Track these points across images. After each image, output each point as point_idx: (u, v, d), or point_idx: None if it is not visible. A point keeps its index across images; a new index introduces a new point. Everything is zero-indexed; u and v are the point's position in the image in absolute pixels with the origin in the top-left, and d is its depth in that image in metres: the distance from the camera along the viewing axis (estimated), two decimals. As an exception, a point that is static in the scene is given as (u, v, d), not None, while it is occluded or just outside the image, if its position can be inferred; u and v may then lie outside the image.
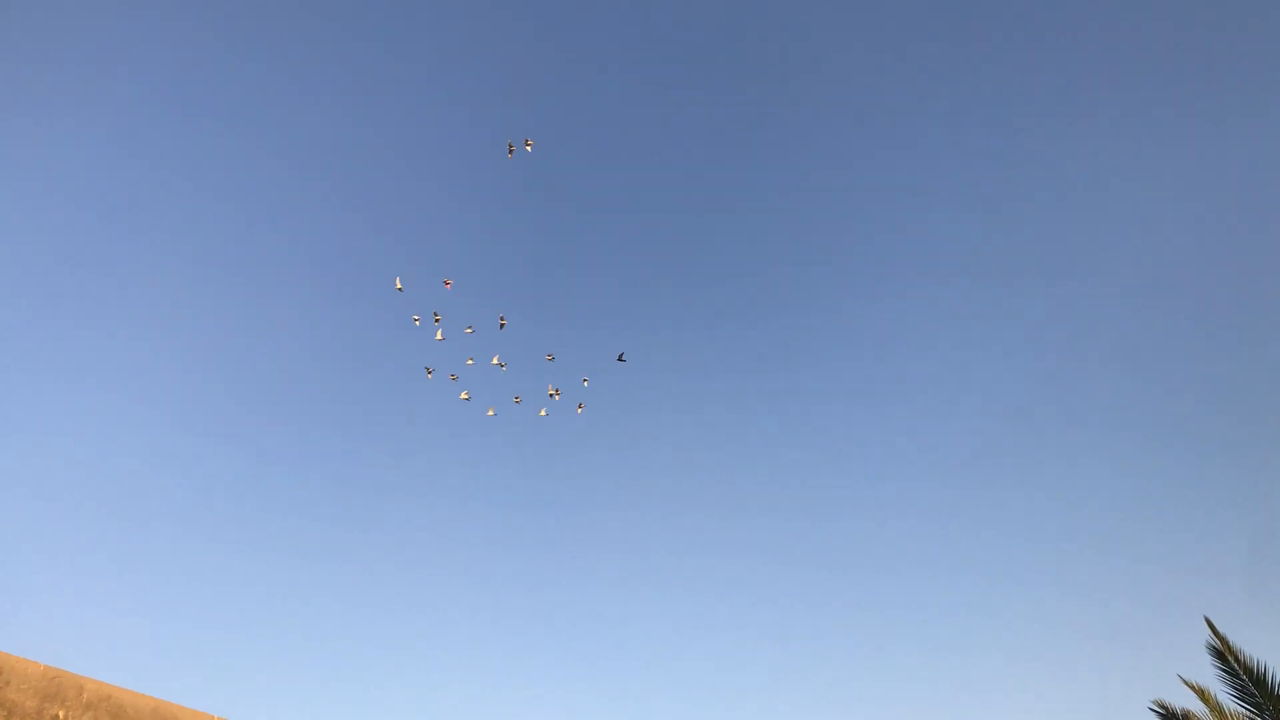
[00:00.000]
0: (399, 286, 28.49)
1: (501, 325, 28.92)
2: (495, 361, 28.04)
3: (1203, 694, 11.94)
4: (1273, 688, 11.53)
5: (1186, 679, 12.13)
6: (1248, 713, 11.68)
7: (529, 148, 28.13)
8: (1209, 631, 11.96)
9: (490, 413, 28.94)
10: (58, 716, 9.59)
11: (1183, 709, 11.97)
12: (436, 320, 27.95)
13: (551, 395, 28.50)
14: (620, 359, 29.13)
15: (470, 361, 28.06)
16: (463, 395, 27.91)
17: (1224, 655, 11.87)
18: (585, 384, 29.57)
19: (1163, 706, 12.30)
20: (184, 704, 11.16)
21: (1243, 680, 11.75)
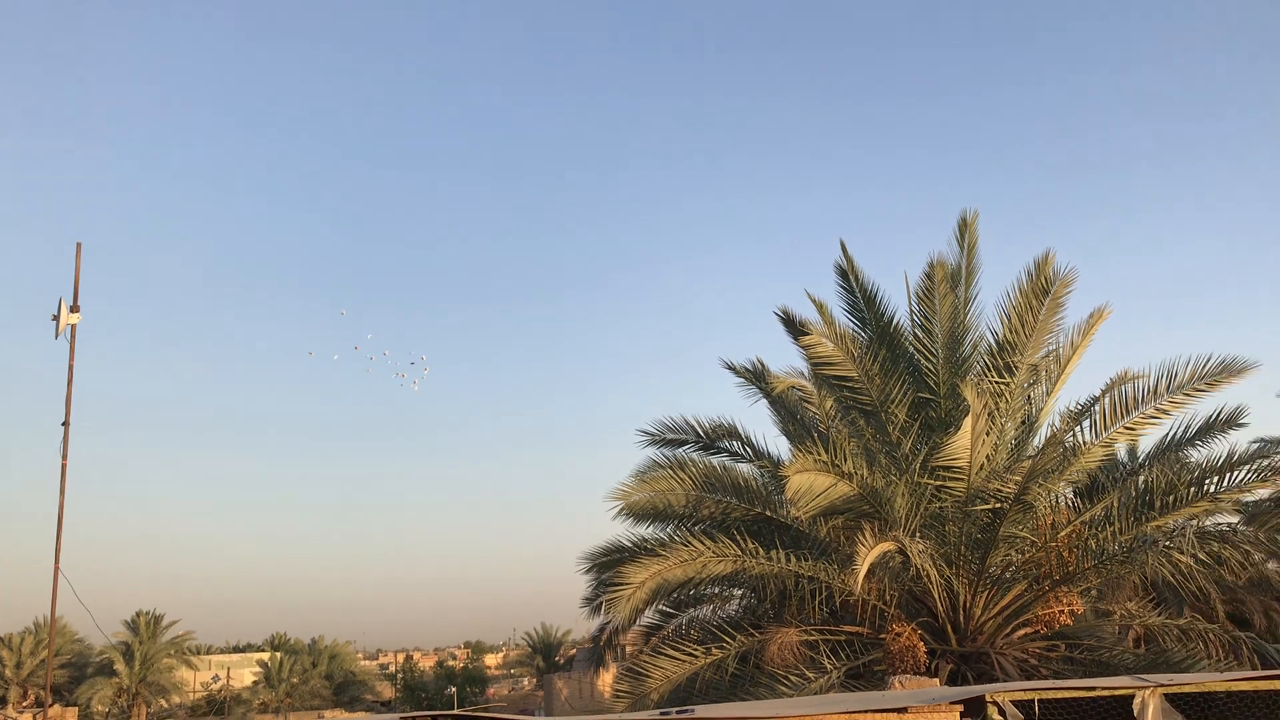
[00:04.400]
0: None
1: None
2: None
3: (821, 307, 13.70)
4: (879, 306, 13.43)
5: (811, 293, 13.84)
6: (854, 326, 13.65)
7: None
8: (840, 252, 13.49)
9: None
10: None
11: (802, 318, 13.78)
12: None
13: None
14: None
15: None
16: None
17: (846, 274, 13.51)
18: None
19: (785, 312, 14.09)
20: None
21: (856, 298, 13.56)
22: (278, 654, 65.38)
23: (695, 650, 12.64)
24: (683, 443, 15.47)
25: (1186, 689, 5.39)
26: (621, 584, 12.35)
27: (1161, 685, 5.29)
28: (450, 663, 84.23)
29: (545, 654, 70.61)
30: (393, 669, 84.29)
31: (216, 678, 65.64)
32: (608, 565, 15.10)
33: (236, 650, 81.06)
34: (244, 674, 68.59)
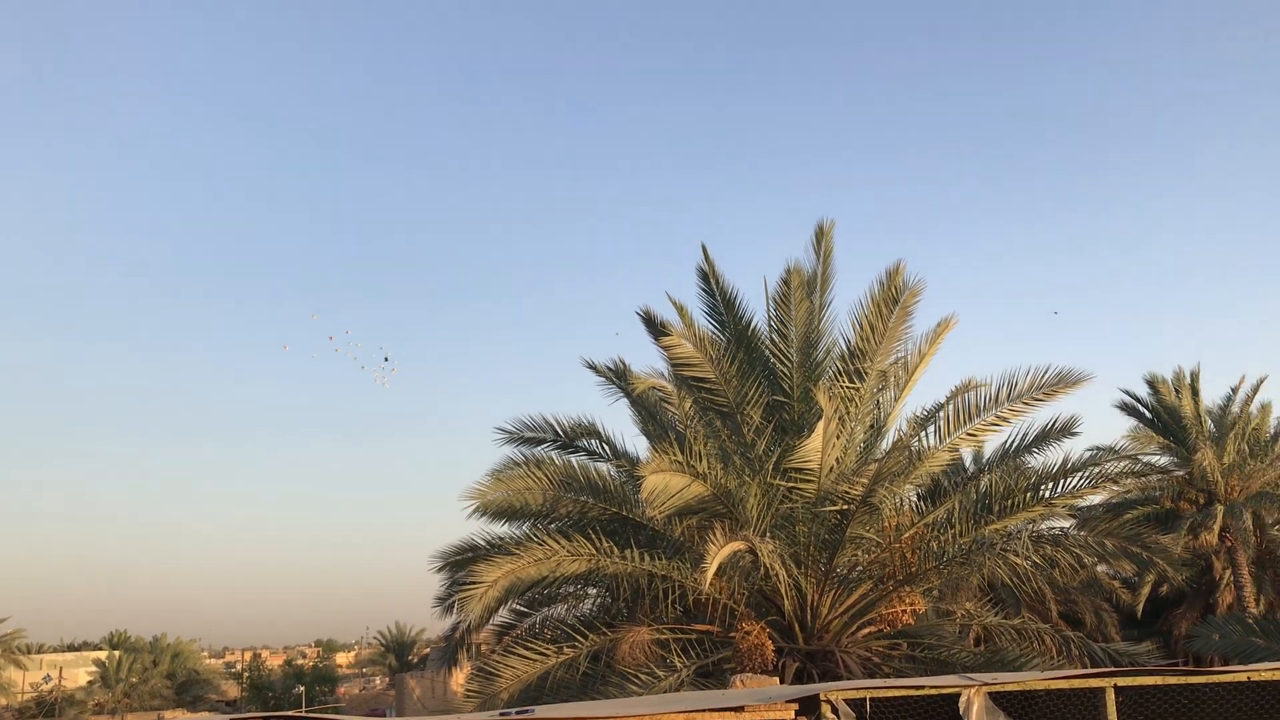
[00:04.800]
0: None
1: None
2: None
3: (681, 309, 13.89)
4: (738, 310, 13.73)
5: (672, 296, 14.00)
6: (714, 328, 13.91)
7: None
8: (702, 256, 13.73)
9: None
10: None
11: (664, 319, 13.93)
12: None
13: None
14: None
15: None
16: None
17: (707, 278, 13.76)
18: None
19: (647, 313, 14.22)
20: None
21: (716, 301, 13.81)
22: (116, 652, 62.87)
23: (547, 649, 12.67)
24: (541, 441, 15.49)
25: (1009, 688, 5.67)
26: (474, 583, 12.28)
27: (985, 684, 5.56)
28: (300, 661, 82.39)
29: (399, 653, 69.71)
30: (239, 668, 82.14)
31: (48, 678, 62.69)
32: (461, 564, 15.00)
33: (71, 649, 77.64)
34: (79, 674, 65.73)
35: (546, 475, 14.19)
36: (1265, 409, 29.66)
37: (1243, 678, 5.42)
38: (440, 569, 15.79)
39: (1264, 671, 5.45)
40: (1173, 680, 5.40)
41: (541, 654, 12.62)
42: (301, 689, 62.07)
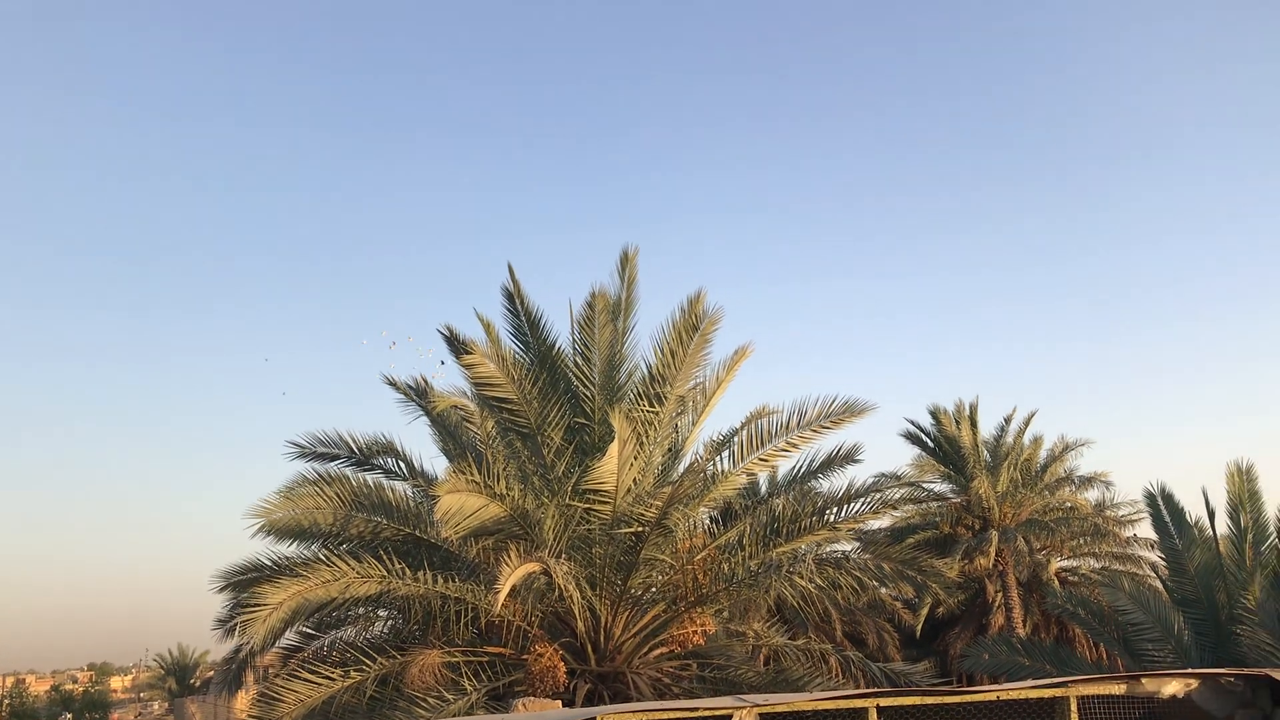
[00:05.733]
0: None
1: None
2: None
3: (488, 327, 13.87)
4: (543, 332, 13.86)
5: (480, 312, 13.98)
6: (518, 349, 13.99)
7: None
8: (508, 276, 13.79)
9: None
10: None
11: (468, 338, 13.91)
12: None
13: None
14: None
15: None
16: None
17: (512, 298, 13.82)
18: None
19: (450, 330, 14.17)
20: None
21: (521, 322, 13.90)
22: None
23: (334, 673, 12.39)
24: (335, 457, 15.15)
25: (778, 709, 5.92)
26: (258, 605, 11.89)
27: (755, 705, 5.81)
28: (69, 687, 77.25)
29: (180, 676, 66.37)
30: (-1, 694, 76.28)
31: None
32: (246, 584, 14.47)
33: None
34: None
35: (338, 494, 13.89)
36: (1037, 441, 31.88)
37: (992, 697, 5.86)
38: (223, 589, 15.18)
39: (1011, 691, 5.91)
40: (930, 700, 5.79)
41: (328, 678, 12.32)
42: (69, 716, 58.24)
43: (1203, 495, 16.57)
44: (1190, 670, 6.26)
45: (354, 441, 15.17)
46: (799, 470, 14.76)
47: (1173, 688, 6.08)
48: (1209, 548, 16.59)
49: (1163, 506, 17.40)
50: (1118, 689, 5.97)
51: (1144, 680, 6.04)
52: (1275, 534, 16.76)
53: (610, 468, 12.03)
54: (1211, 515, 16.36)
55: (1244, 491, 16.58)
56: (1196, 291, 69.32)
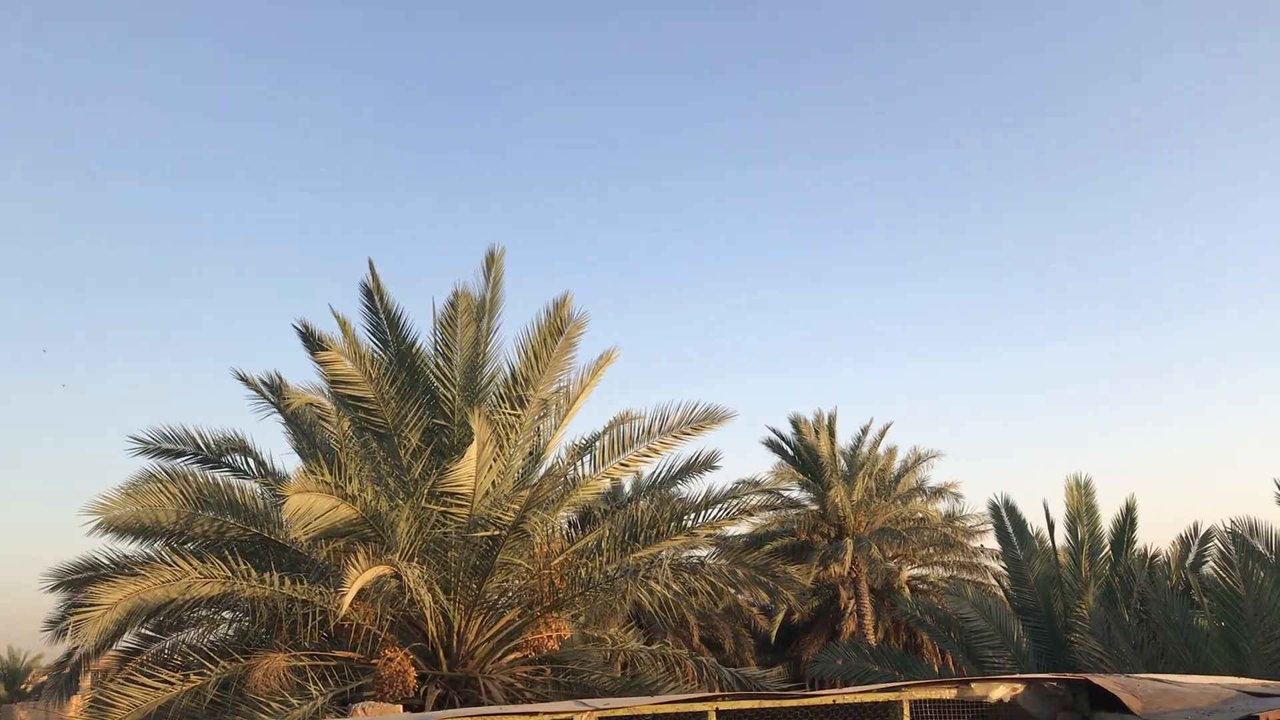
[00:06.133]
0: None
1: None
2: None
3: (345, 325, 13.57)
4: (403, 330, 13.63)
5: (336, 310, 13.67)
6: (377, 347, 13.73)
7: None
8: (368, 272, 13.53)
9: None
10: None
11: (325, 334, 13.59)
12: None
13: None
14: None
15: None
16: None
17: (372, 295, 13.57)
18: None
19: (305, 326, 13.82)
20: None
21: (380, 319, 13.65)
22: None
23: (173, 677, 11.96)
24: (182, 454, 14.60)
25: (618, 714, 5.93)
26: (92, 605, 11.38)
27: (596, 710, 5.81)
28: None
29: (9, 681, 63.08)
30: None
31: None
32: (80, 584, 13.83)
33: None
34: None
35: (183, 491, 13.38)
36: (891, 452, 32.81)
37: (828, 700, 5.99)
38: (54, 589, 14.49)
39: (847, 695, 6.05)
40: (768, 704, 5.87)
41: (166, 682, 11.89)
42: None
43: (1044, 508, 17.31)
44: (1017, 676, 6.50)
45: (202, 438, 14.65)
46: (659, 476, 14.87)
47: (1000, 692, 6.31)
48: (1048, 558, 17.32)
49: (1006, 518, 18.11)
50: (948, 693, 6.17)
51: (973, 685, 6.24)
52: (1109, 546, 17.61)
53: (468, 470, 11.91)
54: (1051, 527, 17.10)
55: (1082, 505, 17.37)
56: (1050, 313, 72.54)
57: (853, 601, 30.26)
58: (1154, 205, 72.27)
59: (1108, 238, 72.41)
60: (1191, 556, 18.53)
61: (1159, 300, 71.43)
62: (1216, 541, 17.96)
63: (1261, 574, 12.45)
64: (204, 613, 14.37)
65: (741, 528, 26.73)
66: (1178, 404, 70.11)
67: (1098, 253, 71.04)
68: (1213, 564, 16.80)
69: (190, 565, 11.82)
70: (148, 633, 14.87)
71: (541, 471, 14.23)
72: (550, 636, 13.56)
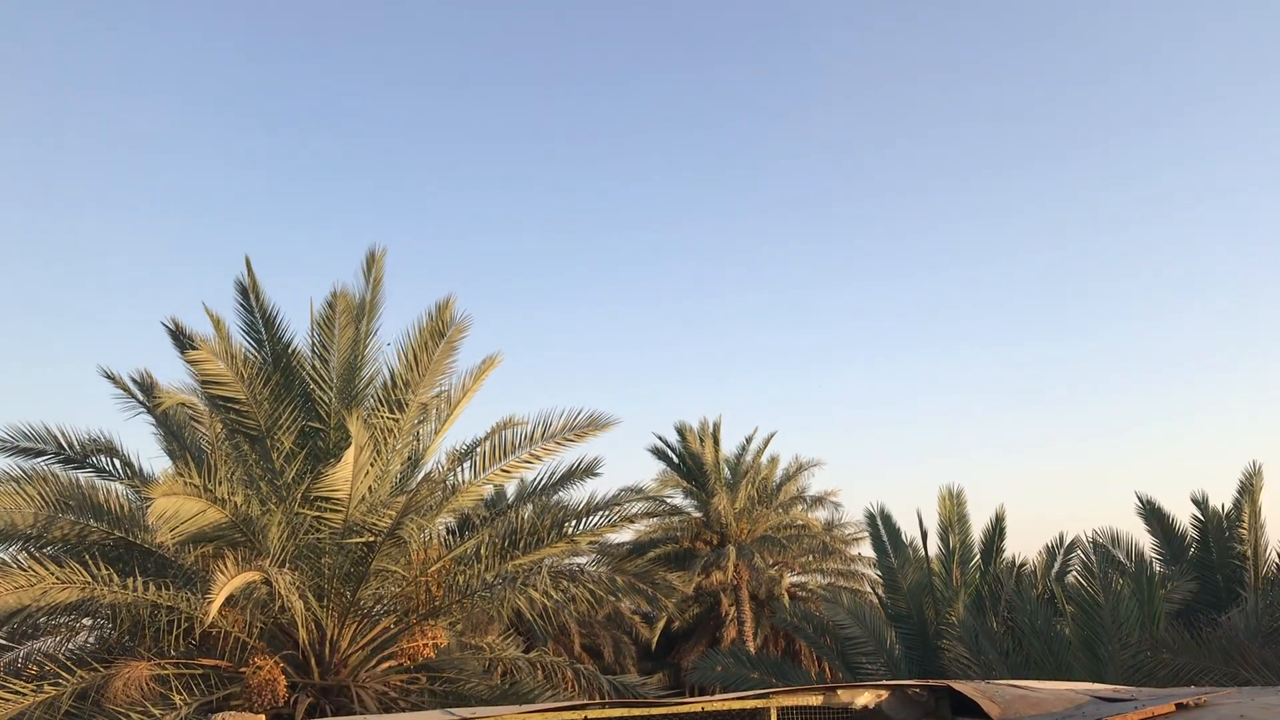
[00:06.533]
0: None
1: None
2: None
3: (218, 323, 13.19)
4: (279, 330, 13.32)
5: (209, 307, 13.28)
6: (252, 347, 13.38)
7: None
8: (245, 269, 13.18)
9: None
10: None
11: (198, 333, 13.18)
12: None
13: None
14: None
15: None
16: None
17: (247, 293, 13.22)
18: None
19: (175, 324, 13.37)
20: None
21: (255, 319, 13.30)
22: None
23: (24, 688, 11.41)
24: (43, 453, 14.00)
25: (488, 721, 5.90)
26: (-65, 613, 10.85)
27: (465, 719, 5.77)
28: None
29: None
30: None
31: None
32: (-75, 590, 13.14)
33: None
34: None
35: (41, 493, 12.82)
36: (774, 461, 33.34)
37: (698, 708, 6.05)
38: (-104, 596, 13.72)
39: (715, 703, 6.12)
40: (637, 712, 5.90)
41: (17, 693, 11.35)
42: None
43: (917, 517, 17.78)
44: (881, 682, 6.67)
45: (65, 437, 14.07)
46: (542, 482, 14.82)
47: (865, 698, 6.47)
48: (921, 567, 17.80)
49: (881, 527, 18.56)
50: (815, 700, 6.30)
51: (839, 692, 6.39)
52: (979, 555, 18.18)
53: (344, 475, 11.70)
54: (924, 536, 17.57)
55: (954, 515, 17.91)
56: (932, 326, 74.49)
57: (734, 609, 30.60)
58: (1036, 222, 74.91)
59: (988, 253, 74.77)
60: (1057, 565, 19.27)
61: (1035, 314, 73.98)
62: (1080, 551, 18.78)
63: (1120, 582, 13.00)
64: (63, 620, 13.83)
65: (625, 535, 26.92)
66: (1051, 415, 72.67)
67: (973, 267, 73.26)
68: (1076, 573, 17.54)
69: (47, 570, 11.33)
70: (1, 642, 14.23)
71: (420, 477, 14.05)
72: (426, 644, 13.38)
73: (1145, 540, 17.88)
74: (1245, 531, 15.53)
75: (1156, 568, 16.54)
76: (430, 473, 14.04)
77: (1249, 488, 15.82)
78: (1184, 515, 17.66)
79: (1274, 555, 15.24)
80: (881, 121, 77.62)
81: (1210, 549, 16.63)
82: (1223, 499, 16.83)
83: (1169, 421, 71.25)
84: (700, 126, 77.82)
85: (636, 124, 79.26)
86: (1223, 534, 16.44)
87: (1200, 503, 17.01)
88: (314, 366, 13.38)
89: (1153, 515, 17.96)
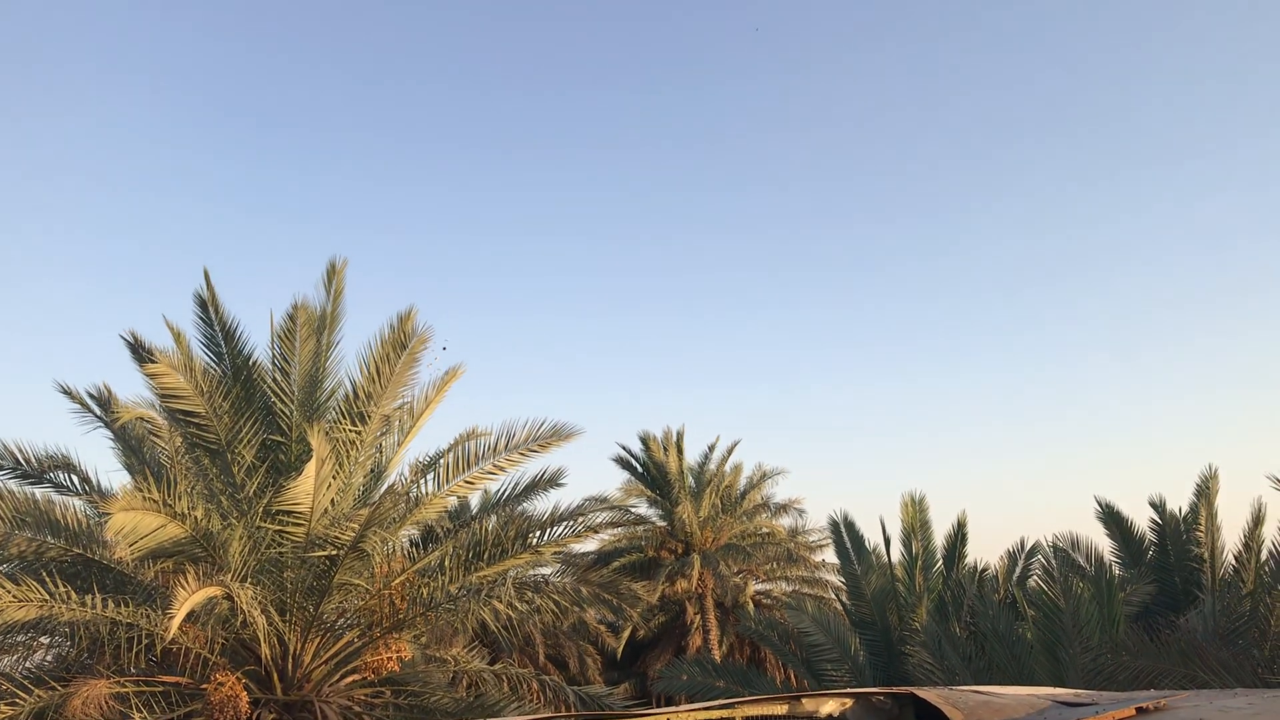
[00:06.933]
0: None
1: None
2: None
3: (179, 336, 13.04)
4: (239, 343, 13.22)
5: (169, 320, 13.15)
6: (211, 360, 13.27)
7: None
8: (203, 281, 13.06)
9: None
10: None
11: (156, 345, 13.03)
12: None
13: None
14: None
15: None
16: None
17: (206, 306, 13.09)
18: None
19: (134, 337, 13.12)
20: None
21: (215, 331, 13.18)
22: None
23: (-20, 709, 11.26)
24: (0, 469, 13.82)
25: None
26: (-111, 633, 10.67)
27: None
28: None
29: None
30: None
31: None
32: (-121, 611, 12.91)
33: None
34: None
35: (-4, 509, 12.65)
36: (737, 469, 33.45)
37: (663, 718, 6.06)
38: None
39: (681, 713, 6.13)
40: (597, 722, 5.92)
41: (-28, 714, 11.20)
42: None
43: (880, 524, 17.91)
44: (846, 690, 6.71)
45: (22, 452, 13.89)
46: (505, 493, 14.78)
47: (829, 706, 6.50)
48: (885, 573, 17.94)
49: (844, 534, 18.68)
50: (780, 709, 6.32)
51: (804, 700, 6.41)
52: (941, 561, 18.33)
53: (306, 488, 11.64)
54: (887, 543, 17.71)
55: (917, 521, 18.05)
56: (895, 335, 75.10)
57: (699, 617, 30.63)
58: (987, 221, 75.73)
59: (950, 257, 75.50)
60: (1019, 570, 19.45)
61: (993, 321, 74.78)
62: (1041, 556, 18.97)
63: (1081, 586, 13.15)
64: (20, 638, 13.63)
65: (590, 545, 26.86)
66: (1013, 420, 73.44)
67: (930, 273, 73.96)
68: (1037, 577, 17.73)
69: (3, 588, 11.17)
70: (-44, 661, 14.01)
71: (383, 489, 13.98)
72: (391, 658, 13.31)
73: (1105, 544, 18.09)
74: (1202, 534, 15.76)
75: (1116, 571, 16.75)
76: (393, 485, 13.98)
77: (1205, 491, 16.07)
78: (1143, 519, 17.88)
79: (1230, 558, 15.46)
80: (850, 141, 78.28)
81: (1168, 552, 16.85)
82: (1180, 503, 17.10)
83: (1129, 429, 72.24)
84: (668, 136, 78.09)
85: (605, 130, 79.37)
86: (1180, 537, 16.68)
87: (1158, 506, 17.24)
88: (275, 379, 13.29)
89: (1111, 519, 18.18)
